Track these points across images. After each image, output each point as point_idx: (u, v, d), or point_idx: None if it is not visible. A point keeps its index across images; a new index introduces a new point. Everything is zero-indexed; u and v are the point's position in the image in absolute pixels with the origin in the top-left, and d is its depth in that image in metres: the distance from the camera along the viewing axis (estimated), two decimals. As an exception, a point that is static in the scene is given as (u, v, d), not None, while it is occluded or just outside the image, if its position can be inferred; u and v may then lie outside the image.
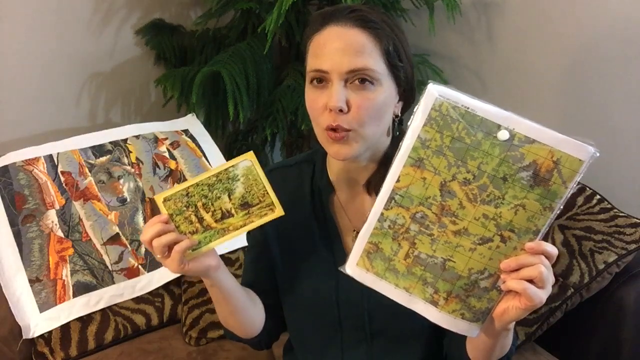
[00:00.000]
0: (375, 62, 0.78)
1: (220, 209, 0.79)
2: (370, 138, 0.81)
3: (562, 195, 0.65)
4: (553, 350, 1.35)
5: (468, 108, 0.66)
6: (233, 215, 0.79)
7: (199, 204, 0.78)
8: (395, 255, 0.71)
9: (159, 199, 0.77)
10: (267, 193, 0.79)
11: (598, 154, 0.63)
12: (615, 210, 1.27)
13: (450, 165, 0.67)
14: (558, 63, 1.53)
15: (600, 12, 1.40)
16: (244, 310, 0.90)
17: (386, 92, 0.80)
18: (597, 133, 1.45)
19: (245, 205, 0.79)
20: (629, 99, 1.39)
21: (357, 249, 0.73)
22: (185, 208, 0.78)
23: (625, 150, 1.41)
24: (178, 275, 1.39)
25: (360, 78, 0.78)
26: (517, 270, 0.65)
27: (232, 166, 0.78)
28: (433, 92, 0.66)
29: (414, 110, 0.68)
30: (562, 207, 0.65)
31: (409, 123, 0.68)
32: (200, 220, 0.78)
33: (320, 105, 0.79)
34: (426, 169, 0.67)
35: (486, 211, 0.67)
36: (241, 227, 0.80)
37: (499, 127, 0.65)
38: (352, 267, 0.73)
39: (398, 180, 0.69)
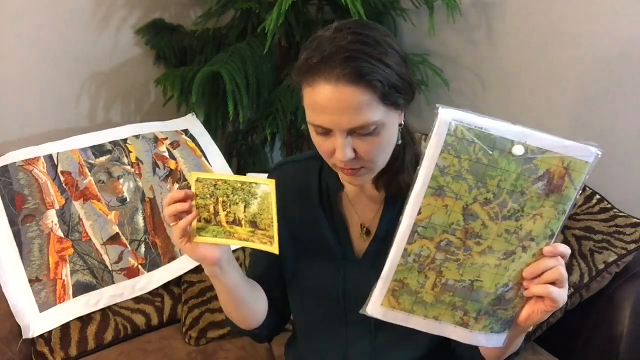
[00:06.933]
0: (375, 114, 0.75)
1: (235, 214, 0.80)
2: (381, 166, 0.83)
3: (573, 197, 0.66)
4: (553, 350, 1.35)
5: (482, 128, 0.64)
6: (241, 226, 0.81)
7: (221, 200, 0.80)
8: (423, 288, 0.70)
9: (194, 176, 0.80)
10: (272, 226, 0.79)
11: (601, 154, 0.65)
12: (615, 210, 1.27)
13: (471, 188, 0.66)
14: (558, 62, 1.52)
15: (600, 10, 1.40)
16: (246, 305, 0.92)
17: (391, 129, 0.79)
18: (597, 132, 1.45)
19: (253, 224, 0.80)
20: (629, 99, 1.39)
21: (381, 290, 0.71)
22: (209, 196, 0.80)
23: (625, 150, 1.41)
24: (177, 275, 1.39)
25: (363, 131, 0.76)
26: (539, 275, 0.67)
27: (255, 184, 0.78)
28: (447, 118, 0.64)
29: (428, 137, 0.65)
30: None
31: (422, 149, 0.65)
32: (216, 214, 0.80)
33: (329, 150, 0.79)
34: (447, 196, 0.66)
35: (508, 226, 0.67)
36: (244, 240, 0.82)
37: (512, 142, 0.64)
38: (377, 309, 0.72)
39: (420, 213, 0.67)
